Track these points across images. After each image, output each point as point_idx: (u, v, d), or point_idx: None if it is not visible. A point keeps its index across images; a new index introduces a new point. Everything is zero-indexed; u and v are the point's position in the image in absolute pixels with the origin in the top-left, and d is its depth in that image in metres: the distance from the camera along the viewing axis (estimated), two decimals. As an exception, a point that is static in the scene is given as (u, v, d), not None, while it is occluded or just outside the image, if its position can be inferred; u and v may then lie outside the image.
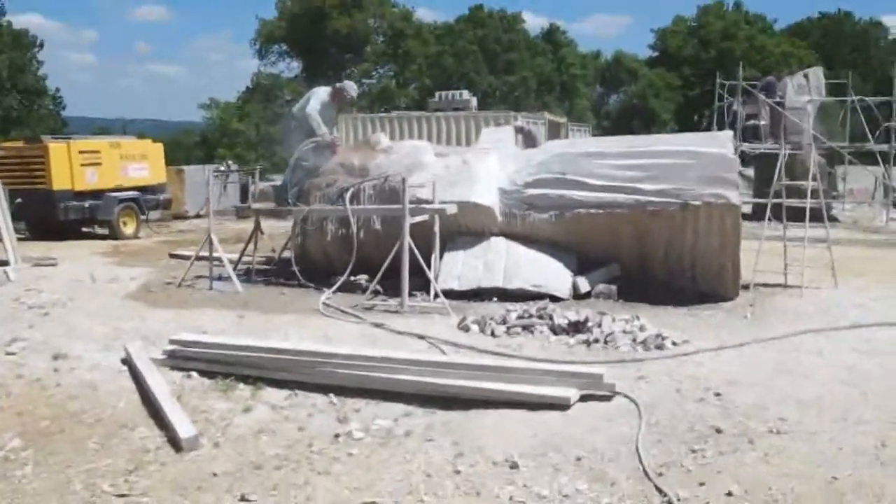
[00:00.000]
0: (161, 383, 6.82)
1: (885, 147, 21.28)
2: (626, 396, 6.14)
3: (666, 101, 55.21)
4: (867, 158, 22.50)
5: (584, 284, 9.73)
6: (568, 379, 6.27)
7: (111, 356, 7.58)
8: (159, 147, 19.49)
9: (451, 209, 9.83)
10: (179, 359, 7.31)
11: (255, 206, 11.29)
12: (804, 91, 21.79)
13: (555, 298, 9.46)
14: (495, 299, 9.64)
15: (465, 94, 27.41)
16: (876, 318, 8.71)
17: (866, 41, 58.98)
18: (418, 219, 9.59)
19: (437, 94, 27.84)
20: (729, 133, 10.81)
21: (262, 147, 44.57)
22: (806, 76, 22.33)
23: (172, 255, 13.59)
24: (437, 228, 9.89)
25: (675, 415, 5.82)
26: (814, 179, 10.90)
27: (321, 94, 11.59)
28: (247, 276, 11.09)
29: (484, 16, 54.09)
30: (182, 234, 18.48)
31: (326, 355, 6.88)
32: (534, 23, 57.70)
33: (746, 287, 10.12)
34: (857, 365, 6.87)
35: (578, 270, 9.95)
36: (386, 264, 9.33)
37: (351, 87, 12.00)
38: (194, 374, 7.11)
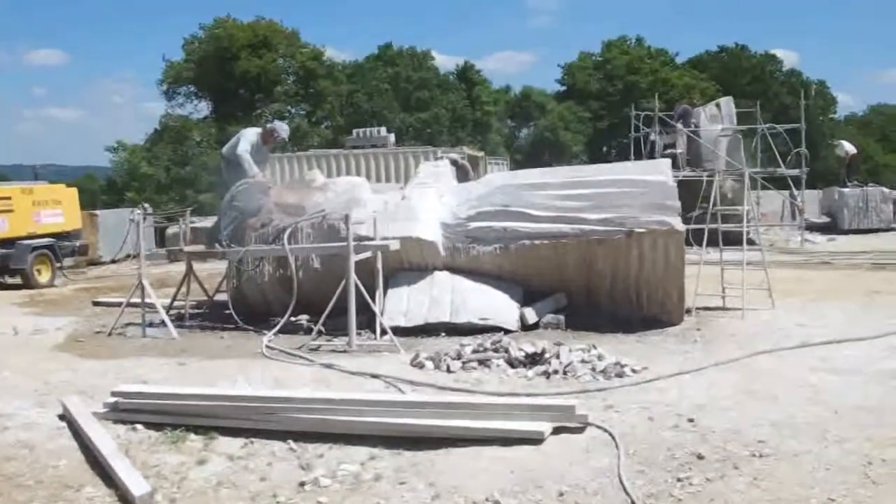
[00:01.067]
0: (106, 438, 6.39)
1: (795, 172, 21.99)
2: (600, 427, 6.02)
3: (576, 134, 56.13)
4: (776, 183, 23.20)
5: (531, 315, 9.64)
6: (539, 412, 6.12)
7: (46, 413, 7.09)
8: (73, 192, 18.75)
9: (394, 245, 9.64)
10: (123, 412, 6.88)
11: (188, 248, 10.86)
12: (717, 120, 22.42)
13: (503, 331, 9.34)
14: (443, 334, 9.48)
15: (383, 130, 27.38)
16: (820, 336, 8.85)
17: (763, 73, 61.21)
18: (362, 256, 9.37)
19: (353, 131, 27.74)
20: (667, 161, 10.94)
21: (172, 190, 43.54)
22: (718, 105, 23.00)
23: (96, 303, 13.02)
24: (379, 265, 9.68)
25: (653, 443, 5.71)
26: (732, 204, 11.24)
27: (250, 135, 11.32)
28: (180, 321, 10.65)
29: (394, 54, 54.26)
30: (99, 280, 17.79)
31: (283, 400, 6.58)
32: (440, 60, 57.91)
33: (688, 311, 10.22)
34: (820, 384, 6.92)
35: (525, 302, 9.86)
36: (332, 303, 9.07)
37: (282, 129, 11.75)
38: (140, 426, 6.69)
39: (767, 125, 22.21)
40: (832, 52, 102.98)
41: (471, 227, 10.02)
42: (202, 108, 52.00)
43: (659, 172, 9.94)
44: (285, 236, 10.12)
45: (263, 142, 11.44)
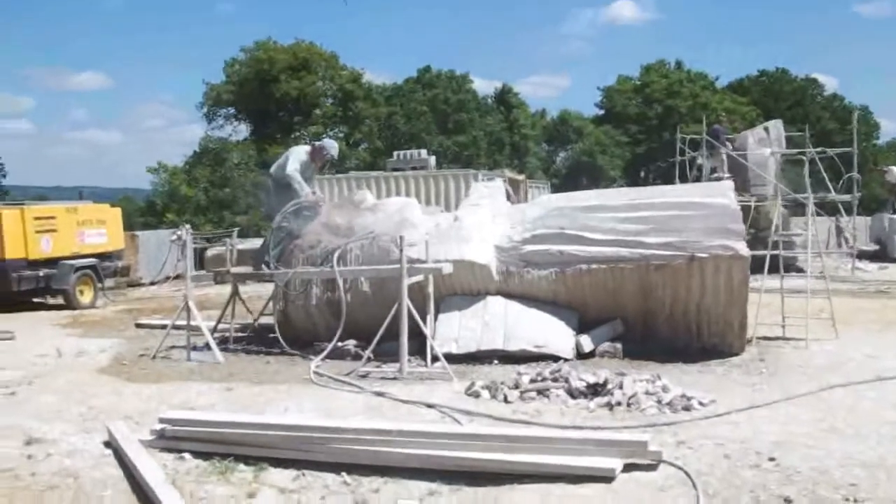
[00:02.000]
0: (153, 468, 6.15)
1: (847, 197, 21.43)
2: (674, 465, 5.66)
3: (613, 158, 55.74)
4: (825, 209, 22.63)
5: (587, 343, 9.28)
6: (609, 448, 5.77)
7: (91, 439, 6.86)
8: (117, 212, 18.71)
9: (447, 268, 9.34)
10: (170, 439, 6.63)
11: (234, 270, 10.64)
12: (765, 144, 21.94)
13: (558, 359, 9.00)
14: (496, 362, 9.16)
15: (423, 153, 27.22)
16: (893, 370, 8.40)
17: (803, 97, 60.51)
18: (414, 279, 9.08)
19: (394, 153, 27.57)
20: (729, 183, 10.56)
21: (210, 212, 43.66)
22: (766, 129, 22.53)
23: (139, 325, 12.85)
24: (430, 289, 9.40)
25: (733, 483, 5.34)
26: (778, 229, 10.90)
27: (300, 153, 11.08)
28: (224, 344, 10.41)
29: (432, 77, 54.29)
30: (140, 301, 17.65)
31: (337, 430, 6.28)
32: (476, 84, 57.78)
33: (749, 341, 9.82)
34: (905, 421, 6.49)
35: (580, 329, 9.51)
36: (383, 328, 8.76)
37: (331, 146, 11.49)
38: (187, 455, 6.43)
39: (818, 149, 21.69)
40: (871, 77, 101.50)
41: (525, 250, 9.70)
42: (241, 130, 52.40)
43: (721, 195, 9.56)
44: (335, 258, 9.86)
45: (311, 160, 11.22)
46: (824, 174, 21.73)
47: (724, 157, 21.04)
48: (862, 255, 23.11)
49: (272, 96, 48.48)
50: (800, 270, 14.28)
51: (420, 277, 9.25)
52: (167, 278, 21.21)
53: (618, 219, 9.56)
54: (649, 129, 56.89)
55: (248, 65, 49.96)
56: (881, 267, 21.63)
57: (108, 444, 6.68)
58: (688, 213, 9.30)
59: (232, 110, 51.78)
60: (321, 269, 9.97)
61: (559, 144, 60.22)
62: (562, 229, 9.63)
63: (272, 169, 11.37)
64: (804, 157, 21.77)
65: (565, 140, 58.82)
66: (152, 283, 21.06)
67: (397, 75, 70.81)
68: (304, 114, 50.49)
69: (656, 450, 5.72)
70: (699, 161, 21.88)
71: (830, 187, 21.64)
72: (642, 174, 57.42)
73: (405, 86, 54.00)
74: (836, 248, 23.17)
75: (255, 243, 15.88)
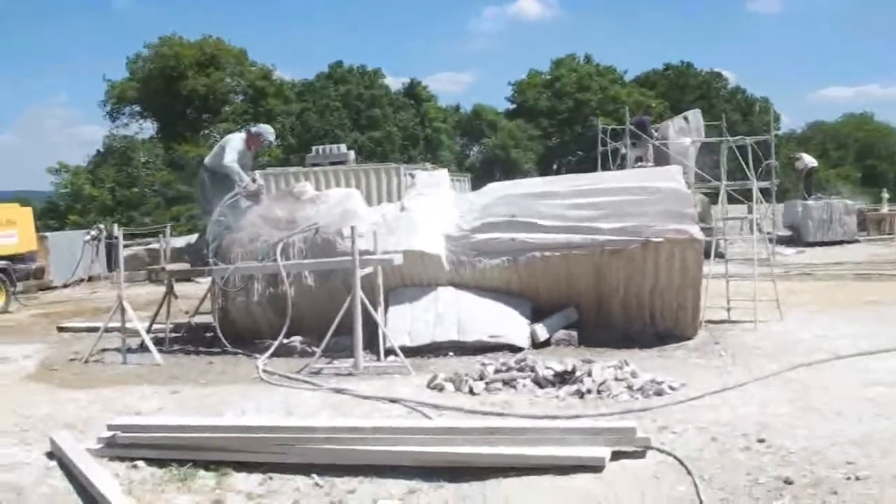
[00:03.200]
0: (107, 478, 5.70)
1: (767, 184, 21.84)
2: (663, 451, 5.50)
3: (527, 152, 56.07)
4: (744, 196, 23.02)
5: (542, 332, 9.10)
6: (595, 436, 5.57)
7: (32, 450, 6.32)
8: (28, 212, 17.73)
9: (398, 259, 9.01)
10: (121, 447, 6.17)
11: (170, 267, 10.08)
12: (685, 133, 22.24)
13: (513, 349, 8.80)
14: (451, 353, 8.91)
15: (343, 148, 26.80)
16: (846, 348, 8.48)
17: (708, 90, 61.97)
18: (365, 271, 8.73)
19: (313, 148, 27.02)
20: (678, 167, 10.52)
21: (118, 212, 42.18)
22: (686, 118, 22.85)
23: (62, 329, 12.12)
24: (380, 281, 9.08)
25: (727, 467, 5.20)
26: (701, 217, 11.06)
27: (236, 141, 10.53)
28: (159, 345, 9.84)
29: (344, 72, 53.66)
30: (56, 305, 16.73)
31: (307, 430, 5.93)
32: (387, 80, 57.31)
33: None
34: (878, 398, 6.48)
35: (534, 317, 9.32)
36: (336, 322, 8.39)
37: (268, 132, 10.93)
38: (141, 463, 5.99)
39: (736, 138, 22.04)
40: (766, 70, 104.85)
41: (476, 238, 9.45)
42: (148, 128, 50.86)
43: (671, 179, 9.50)
44: (278, 251, 9.44)
45: (248, 147, 10.69)
46: (742, 162, 22.08)
47: (650, 146, 21.21)
48: (778, 241, 23.68)
49: (179, 93, 47.24)
50: (720, 256, 14.47)
51: (370, 269, 8.91)
52: (81, 280, 20.30)
53: (568, 205, 9.39)
54: (560, 122, 57.52)
55: (152, 61, 48.51)
56: (798, 251, 22.18)
57: (51, 456, 6.18)
58: (640, 198, 9.21)
59: (137, 108, 50.21)
60: (264, 264, 9.54)
61: (472, 138, 60.29)
62: (512, 217, 9.42)
63: (207, 160, 10.80)
64: (722, 146, 22.10)
65: (479, 134, 58.89)
66: (65, 286, 20.07)
67: (308, 71, 69.83)
68: (213, 111, 49.35)
69: (644, 436, 5.55)
70: (622, 151, 22.02)
71: (750, 175, 22.02)
72: (555, 167, 57.87)
73: (317, 82, 53.26)
74: (748, 234, 23.63)
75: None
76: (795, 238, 24.56)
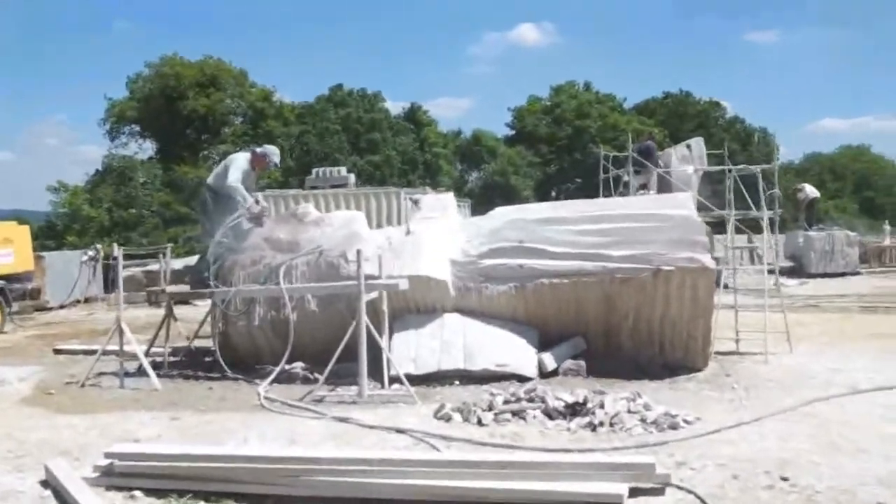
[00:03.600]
0: (102, 509, 5.47)
1: (770, 213, 21.70)
2: (682, 488, 5.29)
3: (525, 178, 56.01)
4: (746, 225, 22.89)
5: (550, 361, 8.90)
6: (612, 471, 5.36)
7: (26, 478, 6.07)
8: (25, 230, 17.47)
9: (404, 284, 8.82)
10: (119, 476, 5.93)
11: (170, 288, 9.88)
12: (688, 161, 22.11)
13: (520, 378, 8.60)
14: (457, 382, 8.68)
15: (343, 170, 26.73)
16: (861, 381, 8.33)
17: (707, 119, 62.08)
18: (370, 296, 8.53)
19: (313, 171, 26.91)
20: (689, 195, 10.37)
21: (115, 233, 41.95)
22: (689, 146, 22.72)
23: (58, 351, 11.87)
24: (385, 306, 8.88)
25: (752, 507, 4.99)
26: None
27: (240, 161, 10.34)
28: (157, 369, 9.61)
29: (344, 95, 53.63)
30: (52, 326, 16.49)
31: (312, 460, 5.70)
32: (387, 104, 57.29)
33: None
34: (903, 434, 6.29)
35: (540, 346, 9.12)
36: (340, 348, 8.17)
37: (274, 153, 10.73)
38: (138, 493, 5.74)
39: (740, 167, 21.92)
40: (763, 102, 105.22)
41: (483, 264, 9.27)
42: (147, 148, 50.72)
43: (682, 207, 9.35)
44: (281, 274, 9.24)
45: (252, 168, 10.51)
46: (744, 192, 21.97)
47: (654, 174, 21.06)
48: (780, 272, 23.50)
49: (179, 113, 47.14)
50: (726, 286, 14.31)
51: (374, 294, 8.72)
52: (77, 302, 20.06)
53: (578, 231, 9.23)
54: (559, 149, 57.45)
55: (152, 81, 48.45)
56: (801, 282, 22.03)
57: (46, 484, 5.93)
58: (650, 225, 9.04)
59: (136, 127, 50.09)
60: (266, 287, 9.33)
61: (472, 164, 60.23)
62: (520, 242, 9.24)
63: (210, 179, 10.61)
64: (725, 176, 21.97)
65: (478, 160, 58.84)
66: (61, 307, 19.82)
67: (308, 94, 69.80)
68: (212, 132, 49.24)
69: (664, 472, 5.34)
70: (625, 178, 21.87)
71: (761, 204, 21.88)
72: (553, 193, 57.78)
73: (317, 104, 53.17)
74: (749, 264, 23.48)
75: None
76: (797, 269, 24.43)
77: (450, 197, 10.98)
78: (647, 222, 9.08)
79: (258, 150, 10.67)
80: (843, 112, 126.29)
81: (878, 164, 68.33)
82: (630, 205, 10.17)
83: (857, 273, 24.72)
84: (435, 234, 9.60)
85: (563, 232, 9.24)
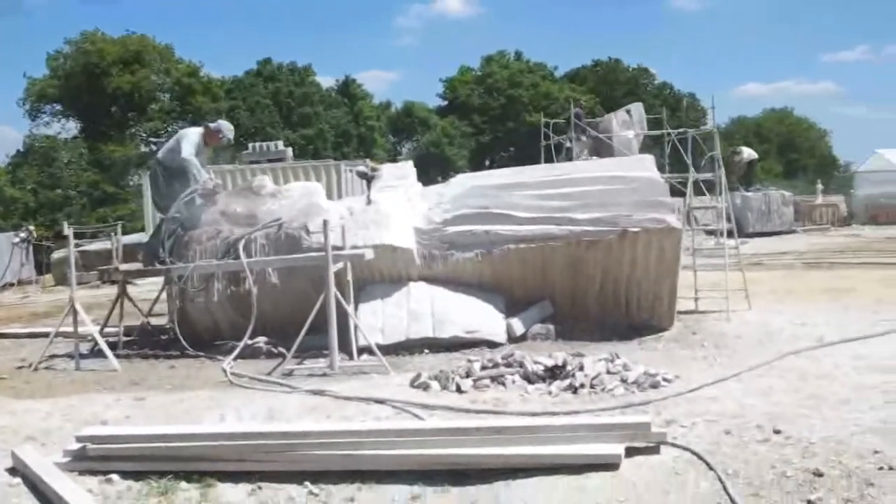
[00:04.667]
0: (80, 494, 5.23)
1: (709, 175, 21.97)
2: (678, 445, 5.26)
3: (460, 149, 55.93)
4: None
5: (518, 326, 8.84)
6: (607, 432, 5.31)
7: (-9, 465, 5.79)
8: (-46, 213, 16.74)
9: (369, 254, 8.64)
10: (92, 459, 5.68)
11: (123, 266, 9.52)
12: (628, 126, 22.24)
13: (490, 344, 8.53)
14: (426, 351, 8.58)
15: (280, 144, 26.26)
16: (825, 335, 8.47)
17: (636, 86, 62.68)
18: (335, 267, 8.32)
19: (249, 145, 26.41)
20: (650, 157, 10.36)
21: (40, 214, 40.65)
22: (628, 111, 22.86)
23: (1, 335, 11.39)
24: (350, 277, 8.69)
25: (750, 461, 4.97)
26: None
27: (193, 136, 9.96)
28: (113, 349, 9.23)
29: (273, 69, 52.71)
30: (-17, 311, 15.84)
31: (297, 435, 5.54)
32: (317, 78, 56.41)
33: (671, 316, 9.68)
34: (880, 384, 6.38)
35: (507, 311, 9.04)
36: (309, 321, 7.97)
37: (228, 129, 10.31)
38: (115, 476, 5.51)
39: (678, 130, 22.15)
40: (688, 68, 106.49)
41: (448, 231, 9.13)
42: (70, 128, 49.14)
43: (645, 168, 9.34)
44: (241, 248, 8.97)
45: (205, 143, 10.15)
46: (684, 154, 22.21)
47: (590, 140, 21.16)
48: (716, 232, 23.90)
49: (103, 91, 45.69)
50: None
51: (340, 265, 8.52)
52: (10, 285, 19.38)
53: (542, 195, 9.15)
54: (492, 118, 57.43)
55: (74, 58, 46.83)
56: (742, 242, 22.38)
57: (13, 472, 5.64)
58: (614, 188, 9.01)
59: (58, 106, 48.45)
60: (226, 262, 9.05)
61: (405, 135, 59.91)
62: (485, 208, 9.12)
63: (160, 154, 10.21)
64: (664, 139, 22.17)
65: (411, 131, 58.55)
66: (-2, 289, 19.12)
67: (236, 69, 68.28)
68: (139, 109, 47.95)
69: (660, 430, 5.31)
70: (567, 144, 21.92)
71: (691, 167, 22.14)
72: (487, 163, 57.89)
73: (246, 79, 52.17)
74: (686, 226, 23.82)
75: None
76: (737, 229, 24.85)
77: (409, 165, 10.79)
78: (611, 185, 9.05)
79: (212, 125, 10.32)
80: (765, 77, 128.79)
81: (801, 127, 69.93)
82: (593, 168, 10.14)
83: (793, 231, 25.34)
84: (397, 203, 9.42)
85: (526, 197, 9.16)
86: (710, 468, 4.92)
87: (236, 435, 5.63)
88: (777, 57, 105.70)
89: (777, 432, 5.35)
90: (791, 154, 66.22)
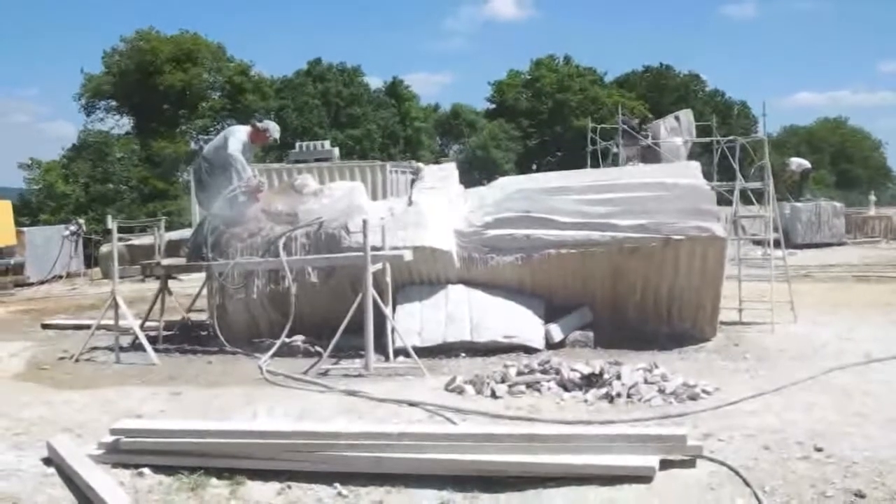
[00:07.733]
0: (112, 487, 5.26)
1: (758, 184, 21.63)
2: (714, 460, 5.14)
3: (507, 152, 55.74)
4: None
5: (557, 333, 8.73)
6: (642, 443, 5.20)
7: (26, 456, 5.84)
8: (7, 205, 17.06)
9: (408, 255, 8.61)
10: (125, 452, 5.72)
11: (166, 262, 9.60)
12: (676, 132, 21.97)
13: (528, 350, 8.44)
14: (463, 354, 8.51)
15: (326, 144, 26.39)
16: (872, 351, 8.24)
17: (687, 92, 61.99)
18: (374, 267, 8.30)
19: (297, 145, 26.57)
20: (696, 164, 10.19)
21: (92, 209, 41.32)
22: (677, 118, 22.58)
23: (46, 326, 11.55)
24: (388, 278, 8.66)
25: (788, 479, 4.85)
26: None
27: (240, 133, 10.01)
28: (153, 344, 9.31)
29: (323, 70, 53.03)
30: (35, 301, 16.10)
31: (330, 435, 5.52)
32: (366, 79, 56.64)
33: (713, 326, 9.50)
34: (931, 403, 6.18)
35: (547, 317, 8.94)
36: (346, 321, 7.96)
37: (275, 128, 10.37)
38: (147, 470, 5.54)
39: (727, 138, 21.82)
40: (740, 75, 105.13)
41: (488, 234, 9.06)
42: (124, 124, 49.93)
43: (690, 175, 9.18)
44: (280, 246, 8.99)
45: (252, 142, 10.21)
46: (732, 162, 21.89)
47: (640, 147, 20.92)
48: (765, 242, 23.50)
49: (155, 88, 46.32)
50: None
51: (379, 266, 8.49)
52: (58, 277, 19.67)
53: (585, 201, 9.03)
54: (540, 122, 57.17)
55: (128, 55, 47.59)
56: (790, 253, 22.00)
57: (49, 462, 5.71)
58: (658, 194, 8.87)
59: (113, 103, 49.25)
60: (266, 259, 9.08)
61: (452, 138, 59.89)
62: (527, 212, 9.04)
63: (206, 151, 10.29)
64: (713, 146, 21.87)
65: (458, 134, 58.50)
66: (42, 283, 19.41)
67: (286, 68, 68.56)
68: (189, 107, 48.56)
69: (696, 444, 5.19)
70: (614, 150, 21.70)
71: (738, 175, 21.81)
72: (534, 167, 57.64)
73: (296, 79, 52.54)
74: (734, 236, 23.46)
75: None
76: (785, 240, 24.41)
77: (452, 167, 10.72)
78: (655, 191, 8.90)
79: (259, 124, 10.36)
80: (819, 86, 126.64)
81: (855, 137, 68.60)
82: (638, 174, 9.99)
83: (843, 244, 24.78)
84: (438, 205, 9.37)
85: (569, 202, 9.05)
86: (747, 484, 4.80)
87: (267, 433, 5.62)
88: (832, 65, 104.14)
89: (818, 450, 5.20)
90: (844, 164, 65.03)
